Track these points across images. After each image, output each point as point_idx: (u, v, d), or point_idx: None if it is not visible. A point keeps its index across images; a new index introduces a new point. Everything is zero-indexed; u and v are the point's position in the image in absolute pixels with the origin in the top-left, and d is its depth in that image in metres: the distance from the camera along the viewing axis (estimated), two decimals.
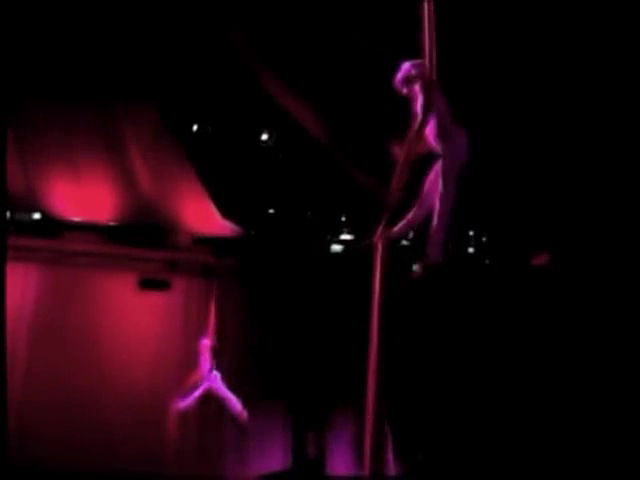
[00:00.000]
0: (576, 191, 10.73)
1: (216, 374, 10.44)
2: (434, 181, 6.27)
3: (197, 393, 10.34)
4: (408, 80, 6.27)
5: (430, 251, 6.28)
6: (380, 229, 6.31)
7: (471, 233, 11.36)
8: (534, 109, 10.33)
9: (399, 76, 6.35)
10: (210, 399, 10.42)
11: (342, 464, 11.04)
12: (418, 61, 6.26)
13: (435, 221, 6.18)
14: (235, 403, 10.43)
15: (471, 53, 9.47)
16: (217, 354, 10.47)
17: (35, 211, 10.53)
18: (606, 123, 10.31)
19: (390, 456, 11.13)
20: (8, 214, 10.20)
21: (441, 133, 6.19)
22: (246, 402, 10.61)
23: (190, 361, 10.40)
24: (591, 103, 10.21)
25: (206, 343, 10.40)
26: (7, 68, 8.76)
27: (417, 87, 6.24)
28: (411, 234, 8.04)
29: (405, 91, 6.32)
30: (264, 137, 11.64)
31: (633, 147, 10.28)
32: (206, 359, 10.41)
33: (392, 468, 11.15)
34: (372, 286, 6.37)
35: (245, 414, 10.44)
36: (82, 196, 10.61)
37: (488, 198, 10.70)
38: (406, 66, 6.33)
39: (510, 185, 10.78)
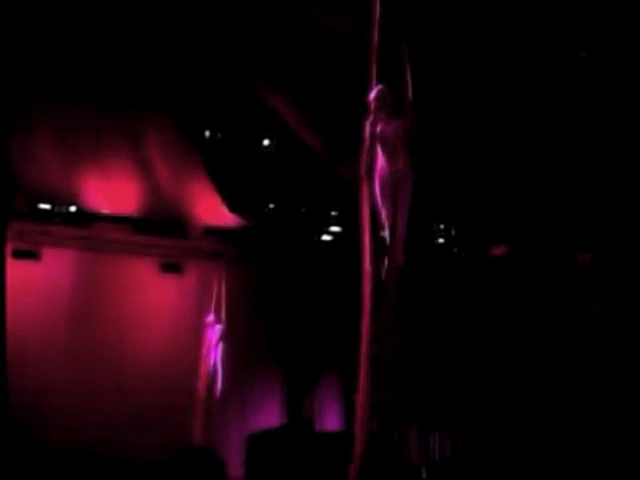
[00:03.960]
0: (533, 187, 10.92)
1: (221, 347, 11.07)
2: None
3: (205, 366, 10.97)
4: (382, 101, 6.30)
5: (395, 256, 6.27)
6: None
7: (441, 226, 11.94)
8: (496, 111, 10.26)
9: (373, 94, 6.34)
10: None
11: (330, 421, 12.01)
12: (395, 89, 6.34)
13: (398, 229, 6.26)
14: (220, 380, 10.96)
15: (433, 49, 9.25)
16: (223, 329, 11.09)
17: (72, 204, 11.20)
18: (558, 120, 10.30)
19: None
20: (50, 206, 11.02)
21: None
22: (247, 368, 11.57)
23: (200, 331, 11.16)
24: (547, 101, 10.16)
25: (210, 319, 11.11)
26: (12, 76, 9.05)
27: (397, 121, 6.23)
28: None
29: (374, 108, 6.30)
30: (265, 142, 12.06)
31: (588, 140, 10.33)
32: (211, 333, 11.10)
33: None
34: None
35: (219, 390, 10.90)
36: (111, 192, 11.26)
37: (456, 196, 11.14)
38: (381, 88, 6.38)
39: (476, 184, 11.01)
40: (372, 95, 6.46)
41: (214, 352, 11.16)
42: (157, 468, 9.81)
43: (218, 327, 11.25)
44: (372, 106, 6.42)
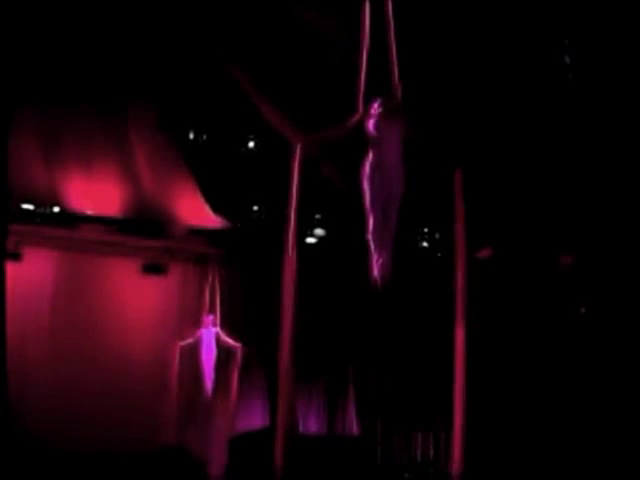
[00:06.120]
0: (516, 190, 11.14)
1: (214, 348, 11.22)
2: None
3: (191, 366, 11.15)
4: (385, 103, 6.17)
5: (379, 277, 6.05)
6: None
7: (425, 230, 12.04)
8: (478, 115, 10.34)
9: (376, 108, 6.29)
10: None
11: (313, 425, 12.20)
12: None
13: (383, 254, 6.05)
14: (209, 383, 11.16)
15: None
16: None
17: (55, 205, 11.10)
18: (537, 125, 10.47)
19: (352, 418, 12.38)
20: (32, 207, 10.92)
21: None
22: (232, 370, 11.48)
23: (184, 333, 11.29)
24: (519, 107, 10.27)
25: (209, 319, 11.24)
26: (11, 74, 9.15)
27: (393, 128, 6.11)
28: None
29: (378, 110, 6.19)
30: (250, 143, 12.17)
31: (570, 144, 10.51)
32: (207, 334, 11.25)
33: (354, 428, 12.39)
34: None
35: (209, 396, 11.14)
36: (94, 192, 11.25)
37: (440, 199, 11.11)
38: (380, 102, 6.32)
39: (459, 187, 10.85)
40: (377, 99, 6.38)
41: (207, 353, 11.22)
42: (134, 465, 9.98)
43: (214, 330, 11.34)
44: (377, 108, 6.32)
